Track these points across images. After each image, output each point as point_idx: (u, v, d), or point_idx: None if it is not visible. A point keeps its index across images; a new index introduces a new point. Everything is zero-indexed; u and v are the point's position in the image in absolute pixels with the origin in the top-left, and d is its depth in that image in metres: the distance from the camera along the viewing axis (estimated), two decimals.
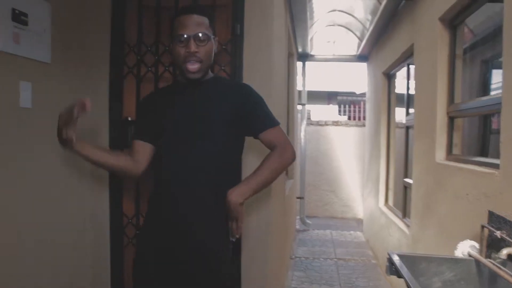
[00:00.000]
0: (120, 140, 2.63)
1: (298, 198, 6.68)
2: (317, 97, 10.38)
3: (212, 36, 1.62)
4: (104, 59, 2.61)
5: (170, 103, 1.70)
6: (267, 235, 2.57)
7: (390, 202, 5.09)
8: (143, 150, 1.73)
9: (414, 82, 3.58)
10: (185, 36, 1.55)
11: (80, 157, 1.61)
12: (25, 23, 1.98)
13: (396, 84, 5.10)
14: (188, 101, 1.66)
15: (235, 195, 1.57)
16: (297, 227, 6.83)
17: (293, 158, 1.68)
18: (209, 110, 1.64)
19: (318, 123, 8.07)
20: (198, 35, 1.56)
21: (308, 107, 7.16)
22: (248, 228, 2.50)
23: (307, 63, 6.70)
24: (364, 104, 10.32)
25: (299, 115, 6.63)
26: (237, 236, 1.63)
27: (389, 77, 5.13)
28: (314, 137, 7.97)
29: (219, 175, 1.63)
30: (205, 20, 1.60)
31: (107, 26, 2.61)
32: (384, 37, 4.92)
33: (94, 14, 2.60)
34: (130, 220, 2.66)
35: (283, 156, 1.64)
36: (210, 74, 1.74)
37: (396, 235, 4.08)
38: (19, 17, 1.94)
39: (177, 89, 1.73)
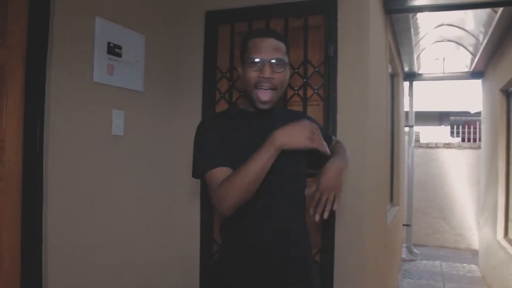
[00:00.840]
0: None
1: (404, 225, 6.25)
2: (427, 118, 9.76)
3: (288, 64, 1.50)
4: (196, 85, 2.68)
5: (243, 132, 1.51)
6: (363, 270, 2.40)
7: (511, 235, 4.52)
8: None
9: None
10: (260, 59, 1.42)
11: (268, 156, 1.41)
12: (119, 55, 2.11)
13: None
14: (264, 131, 1.41)
15: (334, 166, 1.51)
16: (403, 255, 6.38)
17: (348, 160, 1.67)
18: None
19: (427, 146, 7.55)
20: (275, 61, 1.43)
21: (417, 128, 6.74)
22: (343, 262, 2.35)
23: (414, 82, 6.32)
24: (480, 124, 9.48)
25: (406, 138, 6.26)
26: (335, 208, 1.48)
27: (508, 94, 4.62)
28: (423, 161, 7.47)
29: (300, 202, 1.59)
30: (282, 46, 1.48)
31: (200, 53, 2.69)
32: (501, 50, 4.46)
33: (187, 42, 2.70)
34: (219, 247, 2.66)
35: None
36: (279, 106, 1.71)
37: None
38: (113, 50, 2.08)
39: (246, 118, 1.55)
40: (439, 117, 11.64)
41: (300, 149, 1.35)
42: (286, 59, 1.48)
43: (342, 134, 2.38)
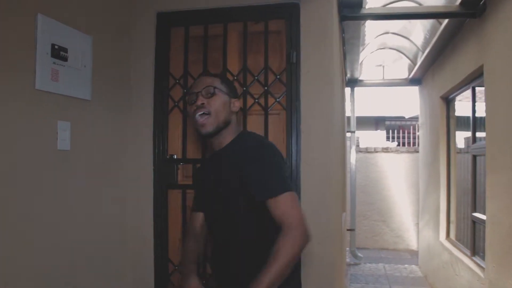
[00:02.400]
0: (164, 180, 2.45)
1: (348, 230, 6.33)
2: (364, 123, 10.02)
3: (223, 91, 1.63)
4: (147, 93, 2.46)
5: (204, 174, 1.77)
6: (331, 277, 2.30)
7: (453, 236, 4.68)
8: (202, 222, 1.81)
9: (484, 105, 3.23)
10: (192, 93, 1.62)
11: None
12: (64, 59, 1.85)
13: (455, 107, 4.75)
14: (211, 172, 1.68)
15: None
16: (348, 260, 6.44)
17: (305, 241, 1.43)
18: (222, 182, 1.61)
19: (366, 150, 7.74)
20: (205, 89, 1.59)
21: (356, 133, 6.86)
22: (310, 271, 2.24)
23: (356, 88, 6.44)
24: (414, 129, 9.89)
25: (348, 143, 6.35)
26: None
27: (448, 101, 4.78)
28: (363, 165, 7.63)
29: (249, 249, 1.58)
30: (215, 79, 1.65)
31: (151, 57, 2.48)
32: (442, 59, 4.61)
33: (137, 45, 2.48)
34: (176, 267, 2.45)
35: (292, 242, 1.40)
36: (234, 134, 1.67)
37: (465, 276, 3.69)
38: (58, 53, 1.82)
39: (210, 158, 1.77)
40: (375, 122, 12.03)
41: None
42: (218, 86, 1.62)
43: (306, 144, 2.27)
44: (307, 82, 2.29)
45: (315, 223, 2.08)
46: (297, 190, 2.25)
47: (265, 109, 2.35)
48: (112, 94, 2.29)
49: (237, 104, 1.68)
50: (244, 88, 2.37)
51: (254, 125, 2.38)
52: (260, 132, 2.34)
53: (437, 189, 4.97)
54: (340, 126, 3.32)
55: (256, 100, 2.36)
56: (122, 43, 2.39)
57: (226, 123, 1.62)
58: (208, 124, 1.57)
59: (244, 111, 2.37)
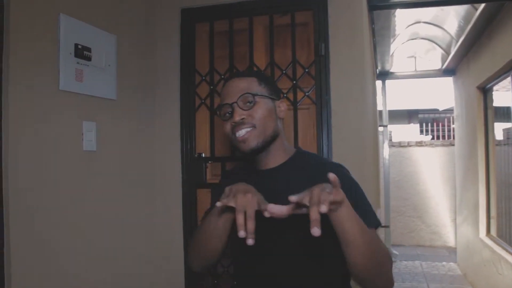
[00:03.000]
0: (192, 179, 2.40)
1: (383, 226, 6.16)
2: (396, 116, 9.77)
3: (265, 95, 1.28)
4: (173, 91, 2.42)
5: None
6: None
7: (494, 233, 4.48)
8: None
9: None
10: (228, 104, 1.27)
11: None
12: (88, 58, 1.82)
13: (493, 97, 4.53)
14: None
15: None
16: None
17: (391, 265, 1.16)
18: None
19: (400, 145, 7.54)
20: (241, 99, 1.25)
21: (389, 127, 6.68)
22: None
23: (387, 81, 6.27)
24: (449, 121, 9.58)
25: (380, 137, 6.19)
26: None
27: (485, 91, 4.57)
28: (396, 160, 7.44)
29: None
30: (251, 80, 1.30)
31: (177, 55, 2.43)
32: (478, 48, 4.41)
33: (162, 42, 2.44)
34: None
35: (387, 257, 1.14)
36: (287, 152, 1.34)
37: (509, 275, 3.51)
38: (82, 53, 1.79)
39: (250, 177, 1.29)
40: (408, 115, 11.73)
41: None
42: (257, 91, 1.28)
43: (337, 140, 2.18)
44: (337, 75, 2.20)
45: None
46: None
47: (294, 104, 2.27)
48: (137, 93, 2.26)
49: (283, 107, 1.35)
50: None
51: (284, 120, 2.31)
52: (289, 127, 2.27)
53: (475, 183, 4.77)
54: (372, 120, 3.20)
55: (285, 95, 2.29)
56: (146, 41, 2.36)
57: (275, 135, 1.29)
58: (252, 137, 1.24)
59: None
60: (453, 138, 6.88)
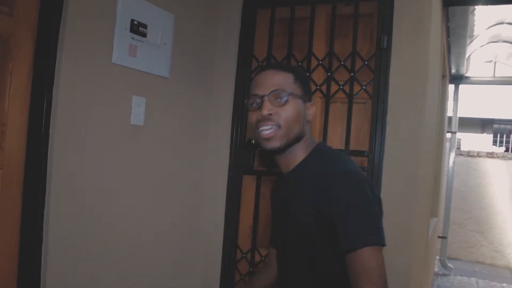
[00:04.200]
0: (240, 165, 2.40)
1: (439, 237, 5.87)
2: (468, 124, 9.25)
3: (298, 95, 1.24)
4: (229, 75, 2.42)
5: (272, 201, 1.47)
6: (407, 285, 2.09)
7: None
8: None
9: None
10: (258, 95, 1.23)
11: None
12: (143, 35, 1.85)
13: None
14: (279, 202, 1.37)
15: None
16: (436, 269, 5.99)
17: None
18: (292, 217, 1.26)
19: (468, 154, 7.11)
20: (273, 93, 1.21)
21: (458, 135, 6.33)
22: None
23: (460, 86, 5.91)
24: None
25: (447, 144, 5.87)
26: None
27: None
28: (463, 170, 7.03)
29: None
30: (287, 76, 1.25)
31: (235, 39, 2.43)
32: None
33: (221, 26, 2.46)
34: (244, 255, 2.40)
35: None
36: (306, 151, 1.30)
37: None
38: (137, 29, 1.82)
39: (277, 183, 1.45)
40: (482, 124, 11.05)
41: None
42: (292, 89, 1.23)
43: (391, 138, 2.08)
44: (398, 70, 2.09)
45: (393, 226, 1.91)
46: (377, 188, 2.07)
47: (350, 96, 2.19)
48: (192, 74, 2.28)
49: (312, 111, 1.31)
50: (329, 74, 2.23)
51: (337, 113, 2.25)
52: (342, 121, 2.20)
53: None
54: (436, 124, 3.03)
55: (341, 87, 2.21)
56: (206, 23, 2.37)
57: (299, 138, 1.26)
58: (276, 137, 1.21)
59: (327, 98, 2.23)
60: None
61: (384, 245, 1.13)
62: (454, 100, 5.96)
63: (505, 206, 6.89)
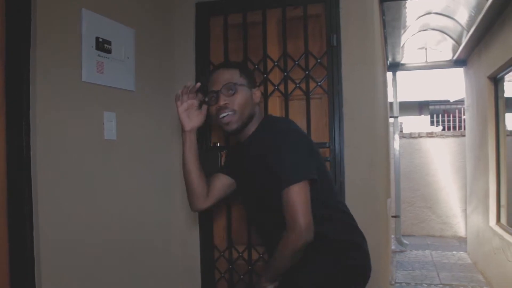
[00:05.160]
0: (208, 167, 2.48)
1: (393, 216, 6.21)
2: (407, 108, 9.77)
3: (244, 85, 1.57)
4: (189, 81, 2.50)
5: (232, 161, 1.78)
6: (377, 263, 2.27)
7: (504, 221, 4.51)
8: (221, 186, 1.75)
9: None
10: (212, 92, 1.56)
11: (182, 145, 1.65)
12: (108, 51, 1.92)
13: (504, 88, 4.55)
14: (238, 163, 1.67)
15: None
16: (393, 247, 6.34)
17: (301, 242, 1.38)
18: (249, 174, 1.60)
19: (410, 136, 7.55)
20: (225, 86, 1.53)
21: (399, 119, 6.71)
22: None
23: (398, 73, 6.28)
24: (460, 113, 9.57)
25: (391, 129, 6.22)
26: None
27: (496, 81, 4.59)
28: (406, 151, 7.46)
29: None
30: (234, 71, 1.58)
31: (192, 47, 2.53)
32: (489, 37, 4.42)
33: (178, 35, 2.54)
34: (222, 254, 2.51)
35: (288, 241, 1.41)
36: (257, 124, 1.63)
37: None
38: (103, 46, 1.89)
39: (235, 148, 1.80)
40: (419, 107, 11.70)
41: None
42: (238, 81, 1.55)
43: (349, 128, 2.25)
44: (349, 65, 2.27)
45: (360, 209, 2.07)
46: (341, 175, 2.24)
47: (307, 93, 2.34)
48: (155, 85, 2.35)
49: (258, 94, 1.63)
50: (285, 74, 2.37)
51: (296, 109, 2.39)
52: (302, 117, 2.34)
53: (485, 173, 4.80)
54: (383, 110, 3.26)
55: (298, 85, 2.36)
56: (163, 35, 2.44)
57: (251, 117, 1.58)
58: (234, 121, 1.53)
59: (286, 97, 2.37)
60: (464, 129, 6.89)
61: (309, 179, 1.42)
62: (393, 86, 6.32)
63: (448, 181, 7.39)
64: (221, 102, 1.52)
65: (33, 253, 1.58)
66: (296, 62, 2.36)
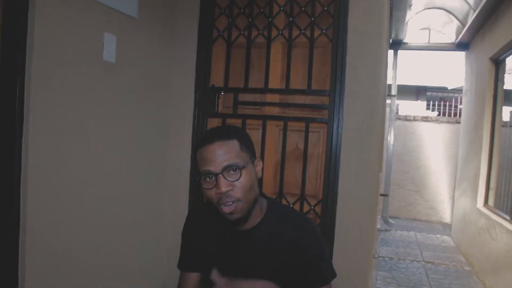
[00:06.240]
0: (204, 108, 2.46)
1: (381, 195, 6.25)
2: (404, 91, 9.72)
3: (248, 161, 1.26)
4: (192, 20, 2.46)
5: (217, 250, 1.39)
6: (364, 221, 2.28)
7: (491, 203, 4.55)
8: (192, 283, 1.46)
9: None
10: (211, 172, 1.21)
11: None
12: None
13: (505, 74, 4.53)
14: (234, 256, 1.35)
15: None
16: (378, 226, 6.39)
17: None
18: (248, 263, 1.34)
19: (406, 118, 7.55)
20: (227, 170, 1.21)
21: (396, 101, 6.69)
22: (344, 213, 2.23)
23: (399, 52, 6.23)
24: (456, 101, 9.56)
25: (387, 109, 6.20)
26: None
27: (498, 63, 4.57)
28: (401, 133, 7.46)
29: None
30: (233, 144, 1.24)
31: None
32: (495, 19, 4.39)
33: None
34: None
35: None
36: (261, 211, 1.35)
37: (503, 239, 3.59)
38: None
39: (225, 235, 1.37)
40: (416, 92, 11.67)
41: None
42: (241, 159, 1.24)
43: (351, 77, 2.22)
44: (356, 14, 2.23)
45: (352, 161, 2.07)
46: (339, 122, 2.22)
47: (311, 40, 2.30)
48: (158, 16, 2.30)
49: (260, 166, 1.33)
50: (290, 19, 2.33)
51: (299, 56, 2.35)
52: (304, 64, 2.31)
53: (478, 155, 4.82)
54: (385, 82, 3.22)
55: (302, 31, 2.32)
56: None
57: (256, 200, 1.30)
58: (237, 210, 1.24)
59: (289, 42, 2.33)
60: (459, 116, 6.89)
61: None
62: (393, 66, 6.27)
63: (438, 166, 7.42)
64: (223, 189, 1.20)
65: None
66: (303, 8, 2.32)
